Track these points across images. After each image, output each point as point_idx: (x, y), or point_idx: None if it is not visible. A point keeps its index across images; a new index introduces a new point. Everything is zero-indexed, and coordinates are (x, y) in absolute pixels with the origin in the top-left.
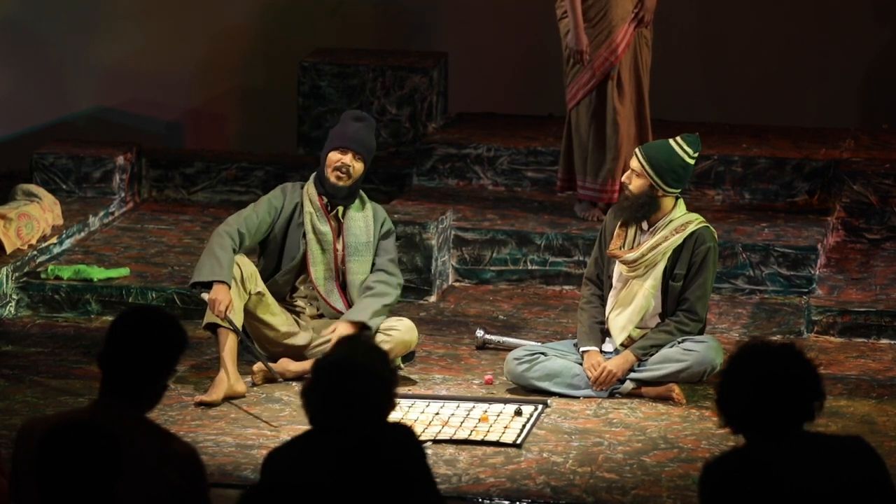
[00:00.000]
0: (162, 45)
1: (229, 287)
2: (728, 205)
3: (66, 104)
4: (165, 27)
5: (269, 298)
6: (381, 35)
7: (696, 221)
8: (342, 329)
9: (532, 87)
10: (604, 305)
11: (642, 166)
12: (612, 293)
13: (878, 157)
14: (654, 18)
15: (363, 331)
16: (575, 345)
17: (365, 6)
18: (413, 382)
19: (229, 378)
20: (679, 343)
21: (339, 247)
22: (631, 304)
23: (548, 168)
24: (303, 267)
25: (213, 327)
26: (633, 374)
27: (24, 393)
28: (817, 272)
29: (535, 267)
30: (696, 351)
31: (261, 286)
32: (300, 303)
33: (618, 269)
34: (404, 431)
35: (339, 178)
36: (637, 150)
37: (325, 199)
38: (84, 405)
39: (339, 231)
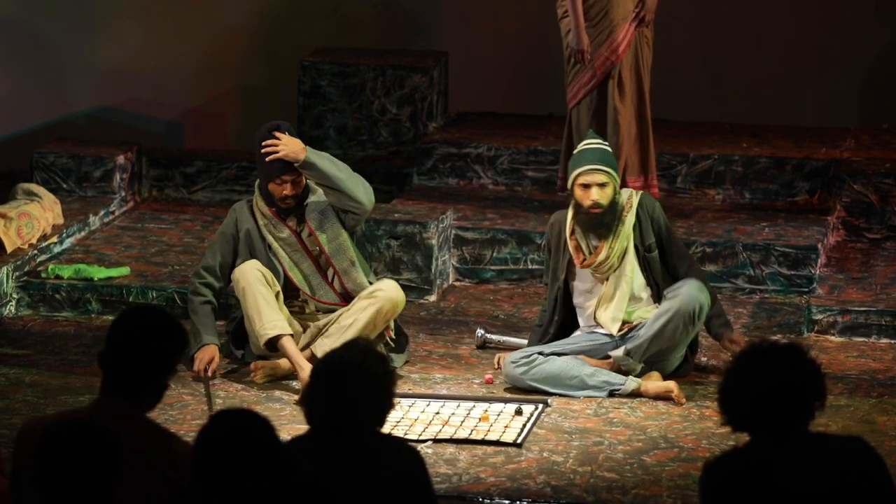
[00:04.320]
0: (162, 45)
1: (217, 345)
2: (728, 204)
3: (66, 104)
4: (165, 27)
5: (281, 299)
6: (381, 35)
7: (632, 194)
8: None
9: (532, 87)
10: (554, 317)
11: (610, 175)
12: (588, 295)
13: (878, 157)
14: (655, 18)
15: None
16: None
17: (365, 6)
18: (413, 382)
19: (303, 370)
20: (664, 299)
21: (305, 239)
22: (615, 297)
23: (548, 167)
24: (285, 279)
25: (271, 344)
26: (628, 345)
27: (24, 393)
28: (818, 272)
29: (535, 266)
30: (677, 296)
31: (278, 286)
32: (296, 303)
33: (587, 274)
34: (412, 454)
35: (289, 203)
36: (593, 166)
37: (275, 209)
38: (84, 405)
39: (297, 227)
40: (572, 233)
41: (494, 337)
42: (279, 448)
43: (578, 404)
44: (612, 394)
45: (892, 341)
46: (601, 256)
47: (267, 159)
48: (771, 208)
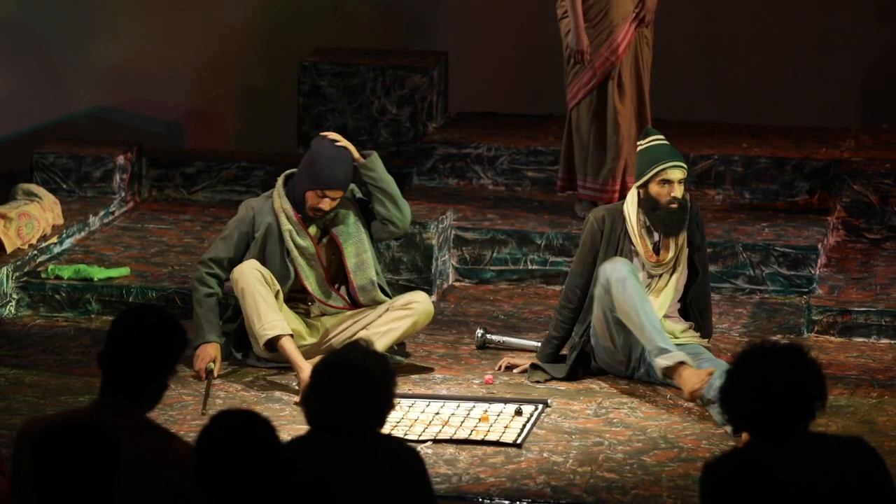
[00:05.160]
0: (162, 45)
1: (219, 343)
2: (728, 204)
3: (66, 104)
4: (166, 27)
5: (281, 299)
6: (381, 35)
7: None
8: None
9: (532, 87)
10: (574, 321)
11: (686, 170)
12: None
13: (878, 157)
14: (655, 18)
15: None
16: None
17: (365, 6)
18: (413, 382)
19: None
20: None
21: (322, 250)
22: (666, 288)
23: (548, 168)
24: (295, 283)
25: (271, 344)
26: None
27: (24, 393)
28: (817, 272)
29: (535, 266)
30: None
31: (278, 286)
32: (301, 306)
33: (639, 268)
34: (411, 454)
35: (316, 214)
36: (675, 163)
37: (301, 214)
38: (84, 405)
39: (319, 237)
40: (641, 231)
41: (494, 337)
42: (280, 448)
43: (578, 404)
44: (655, 354)
45: (892, 341)
46: (670, 254)
47: (337, 143)
48: (771, 208)
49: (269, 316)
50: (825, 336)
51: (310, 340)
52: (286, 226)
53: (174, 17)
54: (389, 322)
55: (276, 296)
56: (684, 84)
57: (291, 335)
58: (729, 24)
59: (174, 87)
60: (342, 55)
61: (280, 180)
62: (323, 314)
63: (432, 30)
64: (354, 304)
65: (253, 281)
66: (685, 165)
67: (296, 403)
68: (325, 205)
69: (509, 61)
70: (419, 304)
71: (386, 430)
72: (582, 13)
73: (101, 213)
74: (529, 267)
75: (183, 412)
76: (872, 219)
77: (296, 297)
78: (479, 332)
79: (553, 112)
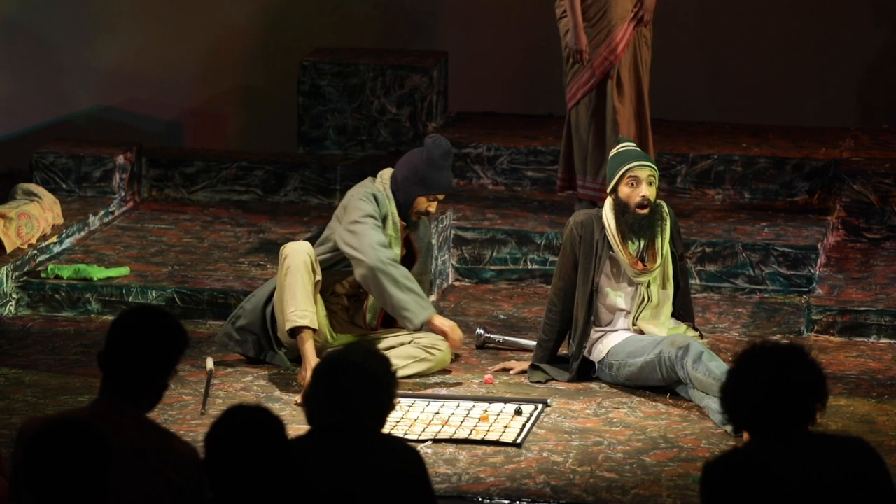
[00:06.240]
0: (162, 45)
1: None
2: (728, 204)
3: (66, 104)
4: (166, 27)
5: (319, 288)
6: (381, 35)
7: (662, 204)
8: None
9: (532, 87)
10: (567, 326)
11: (656, 172)
12: (617, 295)
13: (878, 157)
14: (654, 18)
15: None
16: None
17: (365, 6)
18: (413, 382)
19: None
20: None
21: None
22: (662, 304)
23: (548, 167)
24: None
25: (293, 332)
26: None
27: (24, 393)
28: (817, 272)
29: (535, 266)
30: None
31: (320, 275)
32: (337, 305)
33: (620, 275)
34: (411, 454)
35: (419, 217)
36: (641, 162)
37: (405, 223)
38: (84, 405)
39: (406, 251)
40: (622, 239)
41: (494, 337)
42: (288, 447)
43: (578, 404)
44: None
45: (892, 341)
46: (657, 263)
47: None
48: (771, 208)
49: (303, 304)
50: (825, 336)
51: (330, 340)
52: (389, 230)
53: (174, 16)
54: (407, 357)
55: (316, 286)
56: (684, 84)
57: (316, 330)
58: (729, 24)
59: (174, 87)
60: (342, 55)
61: (387, 180)
62: (353, 321)
63: (432, 30)
64: (384, 323)
65: (300, 264)
66: (654, 167)
67: (296, 403)
68: (433, 207)
69: (509, 61)
70: (440, 352)
71: (386, 429)
72: (581, 13)
73: (101, 212)
74: (529, 267)
75: (183, 412)
76: (872, 219)
77: (346, 294)
78: (479, 331)
79: (553, 112)
